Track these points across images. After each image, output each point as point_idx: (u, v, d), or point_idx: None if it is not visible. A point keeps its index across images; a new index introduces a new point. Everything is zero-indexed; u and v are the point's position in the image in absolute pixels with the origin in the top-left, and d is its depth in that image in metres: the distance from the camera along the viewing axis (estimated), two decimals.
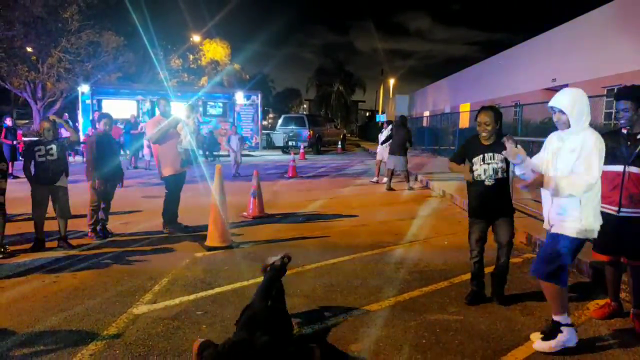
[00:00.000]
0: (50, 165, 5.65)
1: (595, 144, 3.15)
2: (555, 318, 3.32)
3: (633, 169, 3.58)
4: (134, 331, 3.50)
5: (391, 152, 11.60)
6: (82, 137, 17.56)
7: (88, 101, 19.73)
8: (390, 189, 11.43)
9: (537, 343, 3.34)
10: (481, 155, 4.08)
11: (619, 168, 3.64)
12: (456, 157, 4.43)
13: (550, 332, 3.34)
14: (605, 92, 14.53)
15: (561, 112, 3.23)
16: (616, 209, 3.64)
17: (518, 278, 4.81)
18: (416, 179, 13.39)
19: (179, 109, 7.60)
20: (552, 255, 3.30)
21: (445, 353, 3.28)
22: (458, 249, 5.83)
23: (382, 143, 12.52)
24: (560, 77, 19.24)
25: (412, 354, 3.25)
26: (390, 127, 12.98)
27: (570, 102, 3.21)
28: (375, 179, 13.06)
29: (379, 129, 13.96)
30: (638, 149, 3.57)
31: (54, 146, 5.71)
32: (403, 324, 3.75)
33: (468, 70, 31.90)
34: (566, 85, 18.82)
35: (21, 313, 3.79)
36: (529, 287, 4.56)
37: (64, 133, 17.83)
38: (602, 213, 3.65)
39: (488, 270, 4.38)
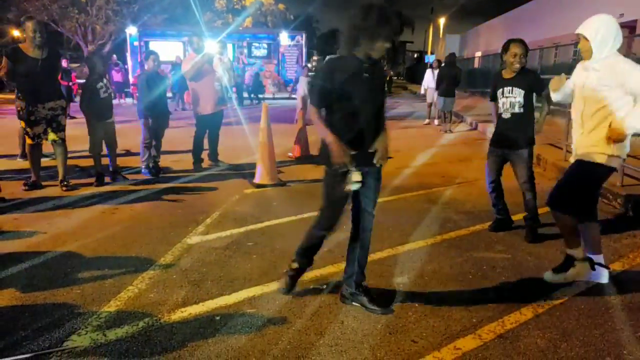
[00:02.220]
0: (107, 100, 5.90)
1: (629, 65, 2.97)
2: (569, 252, 3.27)
3: None
4: (189, 259, 3.69)
5: (441, 94, 11.22)
6: (131, 79, 18.06)
7: (136, 43, 19.99)
8: (445, 131, 11.30)
9: (547, 274, 3.34)
10: (502, 89, 4.17)
11: None
12: (492, 96, 4.45)
13: (562, 265, 3.31)
14: None
15: (585, 38, 3.07)
16: None
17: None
18: (461, 121, 13.01)
19: (211, 46, 7.56)
20: (570, 184, 3.20)
21: (492, 289, 3.28)
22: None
23: (437, 87, 11.78)
24: (629, 11, 17.51)
25: (458, 288, 3.27)
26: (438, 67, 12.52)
27: (594, 28, 3.05)
28: (427, 120, 12.80)
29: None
30: None
31: (106, 82, 5.93)
32: (449, 260, 3.75)
33: (524, 7, 29.63)
34: (635, 22, 17.23)
35: (86, 238, 4.07)
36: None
37: (115, 75, 18.38)
38: None
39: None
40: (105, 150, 6.03)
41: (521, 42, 4.09)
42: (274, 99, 22.14)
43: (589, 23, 3.09)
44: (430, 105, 12.79)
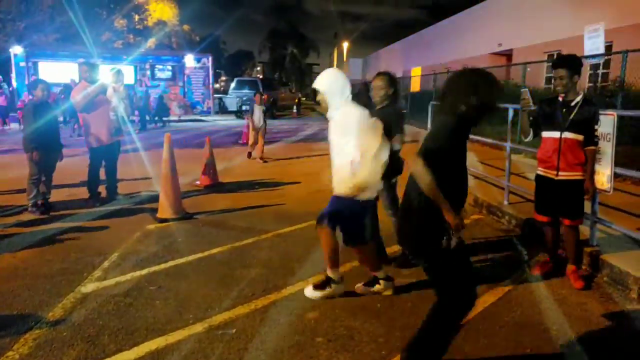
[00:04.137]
0: None
1: (355, 121, 3.27)
2: (329, 273, 3.59)
3: (568, 135, 3.80)
4: (83, 311, 3.37)
5: None
6: (18, 103, 16.52)
7: (22, 64, 18.44)
8: None
9: (307, 290, 3.64)
10: None
11: (556, 134, 3.86)
12: None
13: (322, 283, 3.62)
14: (546, 58, 15.02)
15: (320, 92, 3.40)
16: (554, 172, 3.86)
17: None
18: None
19: (105, 75, 7.06)
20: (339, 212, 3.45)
21: (399, 316, 3.37)
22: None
23: None
24: (506, 42, 19.71)
25: (367, 319, 3.32)
26: None
27: (320, 81, 3.41)
28: None
29: None
30: (572, 116, 3.77)
31: None
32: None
33: (419, 34, 32.02)
34: (511, 51, 19.31)
35: None
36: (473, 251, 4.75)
37: None
38: (542, 177, 3.95)
39: None
40: None
41: (385, 75, 4.17)
42: (179, 121, 21.52)
43: (318, 78, 3.43)
44: None
